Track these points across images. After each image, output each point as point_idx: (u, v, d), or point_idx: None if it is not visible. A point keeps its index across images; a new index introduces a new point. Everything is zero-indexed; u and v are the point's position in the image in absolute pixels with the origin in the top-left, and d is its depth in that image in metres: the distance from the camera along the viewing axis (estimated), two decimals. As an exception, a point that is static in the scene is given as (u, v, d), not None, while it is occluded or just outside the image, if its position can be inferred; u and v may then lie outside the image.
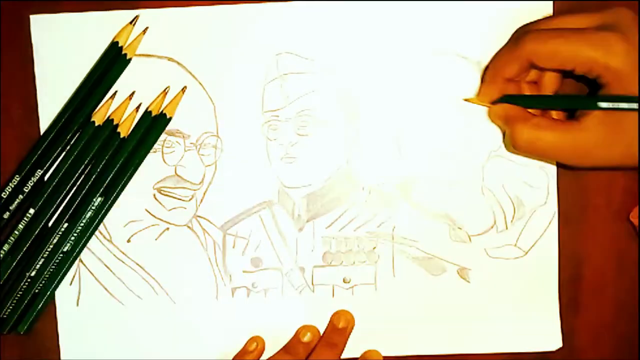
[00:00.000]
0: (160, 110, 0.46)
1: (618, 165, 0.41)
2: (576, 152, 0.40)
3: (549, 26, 0.41)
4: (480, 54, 0.46)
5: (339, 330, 0.46)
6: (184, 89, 0.46)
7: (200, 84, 0.46)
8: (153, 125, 0.46)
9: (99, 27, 0.46)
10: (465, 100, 0.45)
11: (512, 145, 0.41)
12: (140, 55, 0.46)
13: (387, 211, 0.47)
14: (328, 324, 0.47)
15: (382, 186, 0.46)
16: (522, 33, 0.41)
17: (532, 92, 0.43)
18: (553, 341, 0.46)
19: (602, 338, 0.47)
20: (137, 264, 0.47)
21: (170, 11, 0.46)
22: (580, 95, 0.43)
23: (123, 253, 0.47)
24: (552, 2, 0.45)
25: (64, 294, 0.47)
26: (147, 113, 0.46)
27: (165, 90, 0.46)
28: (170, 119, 0.46)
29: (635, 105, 0.38)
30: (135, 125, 0.46)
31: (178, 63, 0.46)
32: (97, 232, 0.47)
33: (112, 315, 0.47)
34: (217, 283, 0.47)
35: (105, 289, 0.47)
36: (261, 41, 0.46)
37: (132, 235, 0.47)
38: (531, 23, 0.43)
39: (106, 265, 0.47)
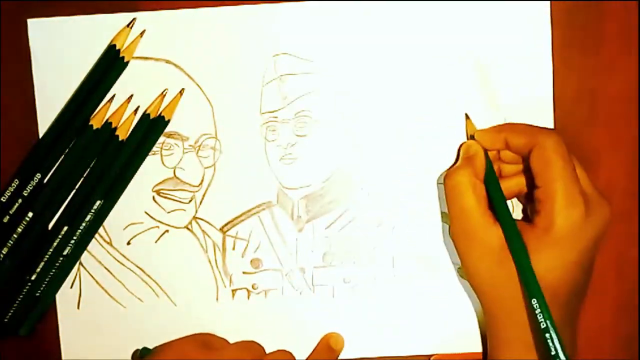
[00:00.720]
0: (159, 113, 0.46)
1: (467, 275, 0.43)
2: (466, 233, 0.41)
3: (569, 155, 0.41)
4: (478, 54, 0.46)
5: (332, 350, 0.46)
6: (181, 91, 0.46)
7: (198, 86, 0.46)
8: (151, 127, 0.46)
9: (96, 30, 0.46)
10: (466, 114, 0.45)
11: (445, 174, 0.42)
12: (137, 57, 0.46)
13: (386, 211, 0.47)
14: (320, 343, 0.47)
15: (381, 186, 0.46)
16: (556, 131, 0.42)
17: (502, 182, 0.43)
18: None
19: (602, 339, 0.47)
20: (138, 267, 0.47)
21: (167, 13, 0.46)
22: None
23: (123, 256, 0.47)
24: (549, 2, 0.45)
25: (64, 297, 0.47)
26: (145, 116, 0.46)
27: (163, 92, 0.46)
28: (168, 121, 0.46)
29: None
30: (134, 128, 0.46)
31: (176, 65, 0.46)
32: (97, 235, 0.47)
33: (113, 317, 0.47)
34: (218, 285, 0.47)
35: (106, 291, 0.47)
36: (258, 42, 0.46)
37: (132, 238, 0.47)
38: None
39: (106, 268, 0.47)
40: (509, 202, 0.43)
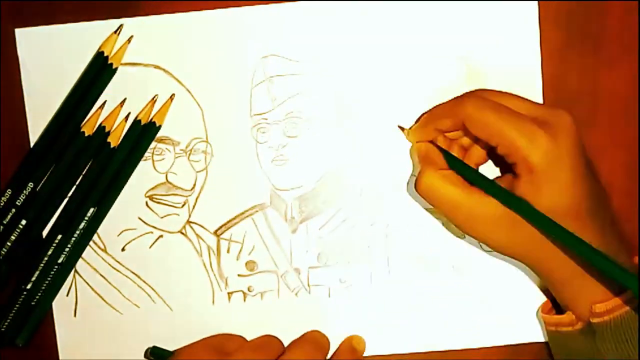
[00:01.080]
0: (150, 119, 0.46)
1: (500, 250, 0.42)
2: (467, 219, 0.41)
3: (497, 99, 0.41)
4: (465, 52, 0.46)
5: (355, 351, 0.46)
6: (172, 97, 0.46)
7: (187, 90, 0.46)
8: (143, 133, 0.46)
9: (84, 37, 0.46)
10: (399, 127, 0.45)
11: (414, 184, 0.42)
12: (126, 64, 0.46)
13: (379, 210, 0.47)
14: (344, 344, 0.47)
15: (374, 185, 0.46)
16: (469, 94, 0.42)
17: (459, 156, 0.43)
18: (551, 332, 0.46)
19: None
20: (133, 273, 0.47)
21: (154, 19, 0.46)
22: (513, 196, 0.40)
23: (118, 262, 0.47)
24: (536, 2, 0.45)
25: (61, 305, 0.47)
26: (136, 122, 0.46)
27: (153, 98, 0.46)
28: (159, 127, 0.46)
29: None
30: (125, 135, 0.46)
31: (164, 70, 0.46)
32: (91, 243, 0.47)
33: (110, 324, 0.47)
34: (213, 288, 0.47)
35: (102, 298, 0.47)
36: (247, 45, 0.46)
37: (126, 244, 0.47)
38: (484, 90, 0.43)
39: (102, 275, 0.47)
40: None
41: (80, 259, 0.47)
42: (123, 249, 0.47)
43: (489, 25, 0.45)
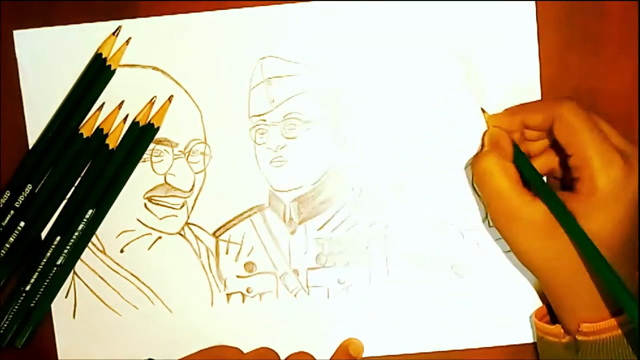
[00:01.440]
0: (148, 120, 0.46)
1: (522, 259, 0.42)
2: (508, 216, 0.41)
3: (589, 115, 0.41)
4: (464, 52, 0.46)
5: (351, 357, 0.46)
6: (170, 98, 0.46)
7: (186, 91, 0.46)
8: (141, 135, 0.46)
9: (83, 39, 0.46)
10: (481, 109, 0.45)
11: (472, 162, 0.42)
12: (124, 65, 0.46)
13: (378, 210, 0.47)
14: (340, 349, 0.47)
15: (372, 186, 0.46)
16: (567, 98, 0.42)
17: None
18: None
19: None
20: (132, 274, 0.47)
21: (153, 20, 0.46)
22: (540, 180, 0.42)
23: (117, 264, 0.47)
24: (534, 2, 0.45)
25: (60, 307, 0.47)
26: (134, 124, 0.46)
27: (152, 100, 0.46)
28: (158, 128, 0.46)
29: None
30: (124, 136, 0.46)
31: (163, 72, 0.46)
32: (90, 244, 0.47)
33: (109, 326, 0.47)
34: (212, 290, 0.47)
35: (101, 300, 0.47)
36: (245, 46, 0.46)
37: (125, 246, 0.47)
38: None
39: (101, 277, 0.47)
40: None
41: (79, 261, 0.47)
42: (122, 251, 0.47)
43: (488, 25, 0.45)
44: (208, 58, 0.46)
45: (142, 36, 0.46)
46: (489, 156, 0.41)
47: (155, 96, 0.46)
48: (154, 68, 0.46)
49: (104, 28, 0.46)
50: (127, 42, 0.46)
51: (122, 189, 0.46)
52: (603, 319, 0.40)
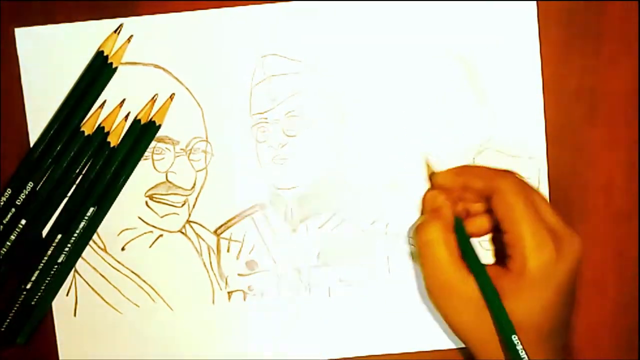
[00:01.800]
0: (149, 118, 0.46)
1: (451, 325, 0.42)
2: (443, 289, 0.41)
3: (530, 193, 0.41)
4: (465, 52, 0.46)
5: None
6: (172, 96, 0.46)
7: (187, 89, 0.46)
8: (143, 133, 0.46)
9: (84, 37, 0.46)
10: (426, 162, 0.46)
11: (415, 228, 0.42)
12: (126, 63, 0.46)
13: (379, 209, 0.47)
14: None
15: (374, 184, 0.46)
16: (510, 173, 0.42)
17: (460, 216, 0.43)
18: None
19: (602, 337, 0.47)
20: (133, 272, 0.47)
21: (154, 18, 0.46)
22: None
23: (118, 262, 0.47)
24: (535, 2, 0.45)
25: (61, 305, 0.47)
26: (136, 121, 0.46)
27: (153, 97, 0.46)
28: (159, 126, 0.46)
29: None
30: (125, 134, 0.46)
31: (164, 70, 0.46)
32: (91, 242, 0.47)
33: (110, 324, 0.47)
34: (214, 288, 0.47)
35: (102, 298, 0.47)
36: (246, 44, 0.46)
37: (126, 244, 0.47)
38: (524, 180, 0.43)
39: (102, 275, 0.47)
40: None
41: (80, 259, 0.47)
42: (123, 249, 0.47)
43: (489, 25, 0.46)
44: (210, 56, 0.46)
45: (144, 34, 0.46)
46: (434, 227, 0.41)
47: (156, 94, 0.46)
48: (156, 66, 0.46)
49: (105, 26, 0.46)
50: (129, 39, 0.46)
51: (123, 186, 0.46)
52: None
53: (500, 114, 0.46)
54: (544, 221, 0.40)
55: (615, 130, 0.46)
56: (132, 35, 0.46)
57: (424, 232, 0.42)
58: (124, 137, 0.46)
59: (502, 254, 0.43)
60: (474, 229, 0.43)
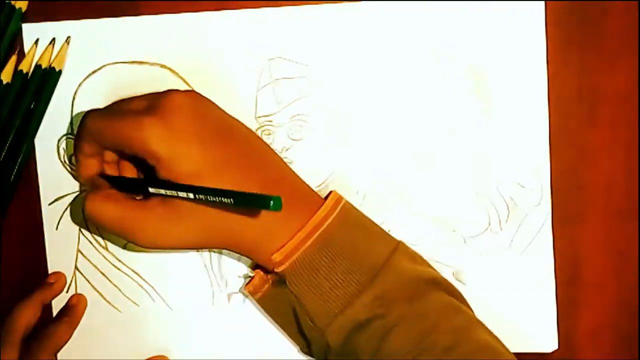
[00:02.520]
0: (50, 63, 0.46)
1: (178, 248, 0.41)
2: (135, 230, 0.40)
3: (118, 107, 0.41)
4: (473, 56, 0.46)
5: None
6: (67, 40, 0.46)
7: (193, 90, 0.46)
8: (44, 79, 0.46)
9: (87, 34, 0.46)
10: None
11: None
12: (133, 62, 0.46)
13: (382, 214, 0.46)
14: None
15: (377, 190, 0.46)
16: (89, 112, 0.41)
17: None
18: (549, 343, 0.46)
19: (602, 338, 0.47)
20: (133, 271, 0.47)
21: (162, 18, 0.46)
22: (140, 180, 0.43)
23: (119, 260, 0.47)
24: (543, 2, 0.45)
25: (60, 302, 0.47)
26: (37, 67, 0.46)
27: (51, 42, 0.46)
28: (60, 72, 0.46)
29: (190, 195, 0.38)
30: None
31: (170, 70, 0.46)
32: (92, 239, 0.47)
33: (109, 321, 0.47)
34: (213, 289, 0.47)
35: (102, 295, 0.47)
36: (253, 47, 0.46)
37: (127, 242, 0.47)
38: (114, 103, 0.43)
39: (102, 272, 0.47)
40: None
41: (80, 256, 0.47)
42: (124, 247, 0.47)
43: (495, 26, 0.45)
44: (216, 58, 0.46)
45: (151, 34, 0.46)
46: (88, 198, 0.40)
47: (54, 38, 0.46)
48: (162, 66, 0.46)
49: (104, 25, 0.46)
50: (67, 42, 0.46)
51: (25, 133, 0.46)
52: (287, 243, 0.39)
53: (505, 124, 0.46)
54: (130, 110, 0.40)
55: (615, 131, 0.46)
56: (69, 37, 0.46)
57: (85, 209, 0.40)
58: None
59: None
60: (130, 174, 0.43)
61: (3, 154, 0.46)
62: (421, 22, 0.46)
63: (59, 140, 0.47)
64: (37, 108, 0.46)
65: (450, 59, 0.46)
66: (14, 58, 0.46)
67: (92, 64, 0.47)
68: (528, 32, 0.45)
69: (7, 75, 0.46)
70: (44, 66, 0.46)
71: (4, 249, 0.48)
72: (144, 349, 0.47)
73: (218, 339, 0.47)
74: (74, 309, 0.47)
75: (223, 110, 0.42)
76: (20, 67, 0.46)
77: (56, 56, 0.46)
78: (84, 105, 0.47)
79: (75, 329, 0.47)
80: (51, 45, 0.46)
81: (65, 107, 0.47)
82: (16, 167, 0.46)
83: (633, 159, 0.46)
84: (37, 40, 0.46)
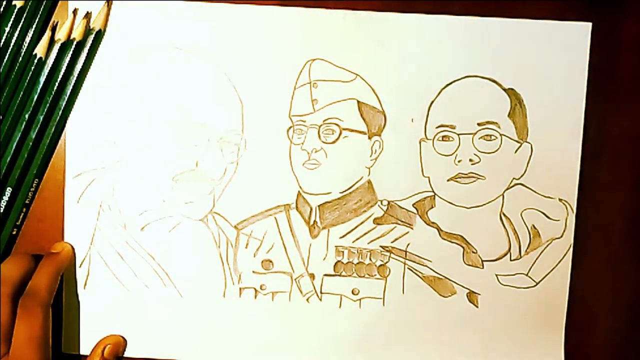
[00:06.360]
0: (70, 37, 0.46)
1: None
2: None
3: None
4: (513, 77, 0.45)
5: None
6: (89, 14, 0.46)
7: (230, 82, 0.46)
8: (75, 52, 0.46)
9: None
10: None
11: None
12: (174, 48, 0.46)
13: (402, 227, 0.46)
14: None
15: (401, 202, 0.46)
16: None
17: None
18: (556, 375, 0.46)
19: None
20: (149, 254, 0.47)
21: (210, 6, 0.46)
22: None
23: (136, 241, 0.47)
24: (590, 23, 0.45)
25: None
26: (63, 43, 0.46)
27: (74, 11, 0.46)
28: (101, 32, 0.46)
29: None
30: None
31: (210, 59, 0.46)
32: (111, 217, 0.47)
33: (117, 300, 0.47)
34: (226, 281, 0.47)
35: (114, 274, 0.47)
36: (296, 45, 0.46)
37: (146, 225, 0.47)
38: None
39: (117, 252, 0.47)
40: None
41: (98, 232, 0.47)
42: (142, 229, 0.47)
43: (536, 47, 0.45)
44: (258, 51, 0.46)
45: (195, 21, 0.46)
46: None
47: (76, 8, 0.46)
48: (202, 54, 0.46)
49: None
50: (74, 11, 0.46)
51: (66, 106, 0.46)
52: None
53: (539, 151, 0.46)
54: None
55: (619, 171, 0.46)
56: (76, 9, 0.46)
57: None
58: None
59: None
60: None
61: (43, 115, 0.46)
62: (460, 36, 0.45)
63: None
64: (82, 73, 0.46)
65: (488, 78, 0.46)
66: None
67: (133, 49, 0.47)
68: (570, 56, 0.45)
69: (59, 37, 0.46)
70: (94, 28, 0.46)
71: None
72: (148, 331, 0.47)
73: (224, 332, 0.47)
74: (52, 257, 0.46)
75: None
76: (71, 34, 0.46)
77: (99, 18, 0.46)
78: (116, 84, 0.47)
79: (55, 277, 0.45)
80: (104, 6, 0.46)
81: (102, 82, 0.47)
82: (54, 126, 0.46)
83: (636, 200, 0.46)
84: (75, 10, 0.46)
